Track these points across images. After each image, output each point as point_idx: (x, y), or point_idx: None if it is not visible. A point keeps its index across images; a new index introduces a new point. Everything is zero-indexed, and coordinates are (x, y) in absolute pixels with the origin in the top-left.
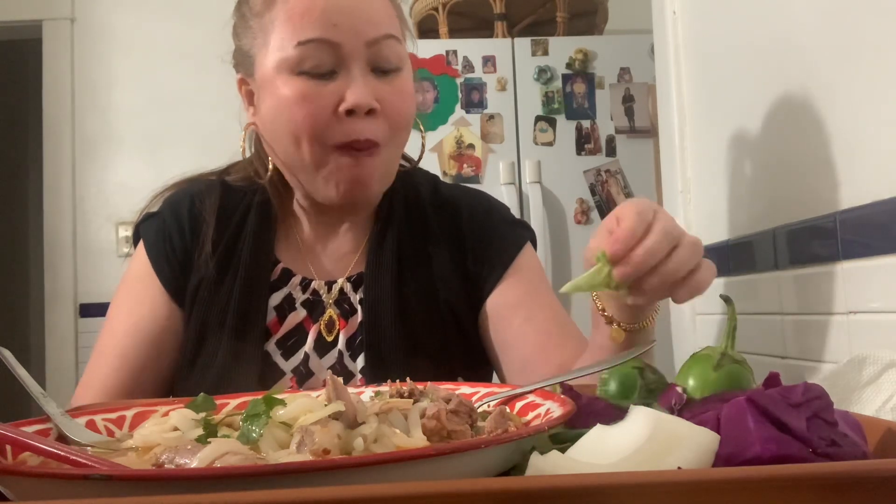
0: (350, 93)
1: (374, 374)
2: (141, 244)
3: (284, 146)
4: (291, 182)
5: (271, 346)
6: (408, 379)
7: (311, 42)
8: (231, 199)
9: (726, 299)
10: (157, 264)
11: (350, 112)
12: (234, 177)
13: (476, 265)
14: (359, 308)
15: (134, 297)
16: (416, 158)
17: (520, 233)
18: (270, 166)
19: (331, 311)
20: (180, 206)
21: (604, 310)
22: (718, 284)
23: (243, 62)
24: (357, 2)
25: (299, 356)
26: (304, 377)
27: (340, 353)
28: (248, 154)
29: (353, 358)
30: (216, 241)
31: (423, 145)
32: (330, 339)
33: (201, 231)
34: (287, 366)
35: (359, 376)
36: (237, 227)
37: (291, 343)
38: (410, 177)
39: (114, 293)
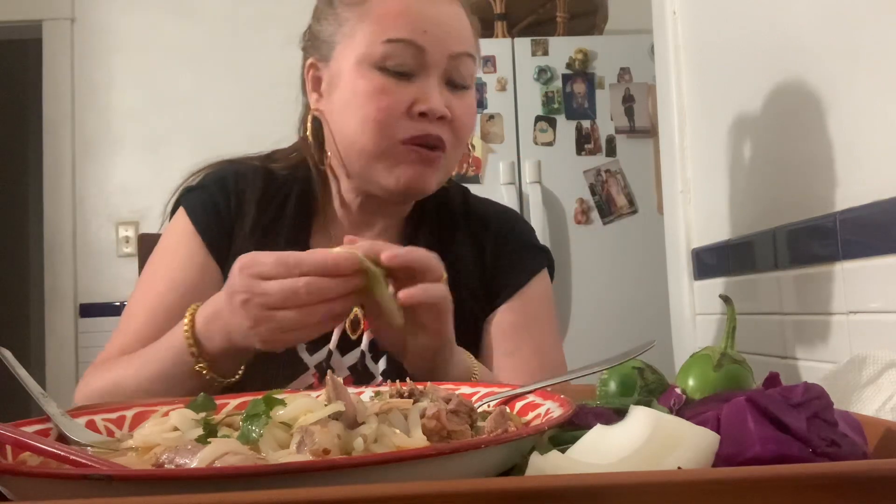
0: (429, 96)
1: (395, 378)
2: (180, 213)
3: (350, 135)
4: (343, 172)
5: None
6: (407, 379)
7: (400, 42)
8: (272, 184)
9: (725, 299)
10: (201, 225)
11: (423, 115)
12: (278, 164)
13: (490, 281)
14: None
15: (175, 257)
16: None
17: (538, 259)
18: (328, 155)
19: (356, 310)
20: (225, 181)
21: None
22: (718, 284)
23: (319, 47)
24: (448, 17)
25: (323, 352)
26: (325, 373)
27: (363, 353)
28: (310, 140)
29: (376, 360)
30: (255, 224)
31: (469, 161)
32: (354, 337)
33: (243, 208)
34: (311, 360)
35: (379, 378)
36: (276, 214)
37: (318, 338)
38: (443, 191)
39: (145, 267)
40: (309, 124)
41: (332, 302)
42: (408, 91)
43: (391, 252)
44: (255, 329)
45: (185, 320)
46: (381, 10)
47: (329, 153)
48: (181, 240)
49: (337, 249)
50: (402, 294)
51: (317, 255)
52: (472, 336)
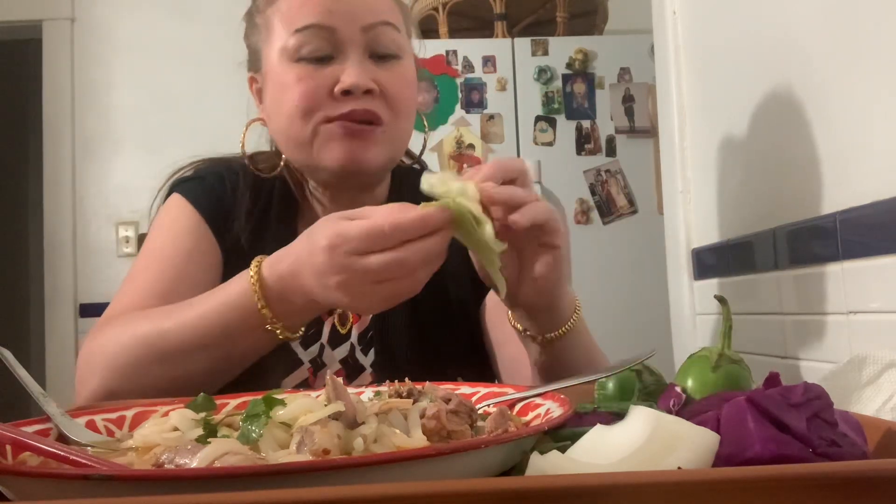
0: (346, 74)
1: (383, 369)
2: (176, 199)
3: (284, 129)
4: (301, 169)
5: None
6: (406, 379)
7: (308, 28)
8: (258, 182)
9: (721, 300)
10: (202, 206)
11: (347, 93)
12: (261, 165)
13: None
14: None
15: (177, 227)
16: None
17: None
18: (283, 160)
19: None
20: (220, 174)
21: (524, 329)
22: (718, 284)
23: (253, 60)
24: None
25: (316, 347)
26: (318, 368)
27: (352, 346)
28: (246, 150)
29: (365, 352)
30: (249, 213)
31: (424, 141)
32: (343, 331)
33: (238, 198)
34: (305, 356)
35: (369, 370)
36: (265, 209)
37: (311, 334)
38: (418, 175)
39: (138, 254)
40: (246, 134)
41: (427, 265)
42: (328, 73)
43: (491, 188)
44: (355, 303)
45: (252, 278)
46: (286, 4)
47: (284, 159)
48: (180, 214)
49: (423, 204)
50: (506, 222)
51: (408, 217)
52: (462, 324)
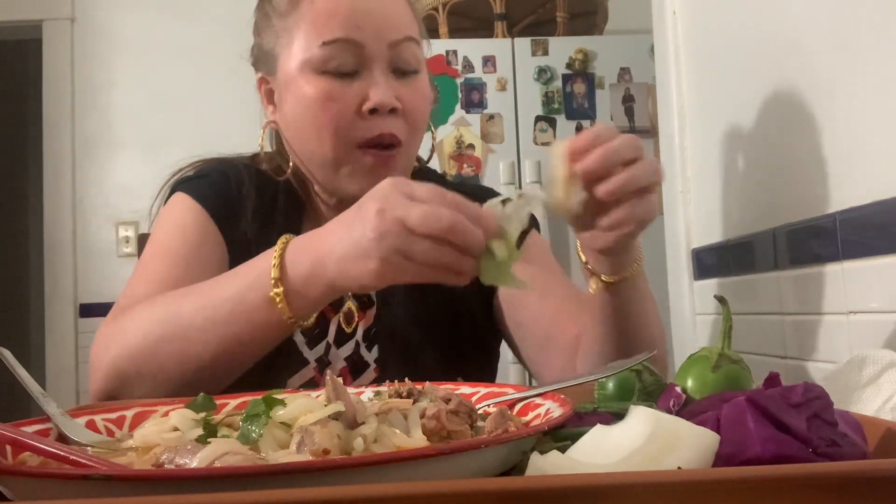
0: (374, 92)
1: (387, 365)
2: (181, 197)
3: (307, 144)
4: (311, 178)
5: (298, 336)
6: (406, 379)
7: (336, 42)
8: (263, 180)
9: (721, 300)
10: (208, 203)
11: (373, 111)
12: (264, 166)
13: None
14: (375, 300)
15: (183, 222)
16: (424, 158)
17: None
18: (291, 163)
19: (350, 303)
20: (225, 172)
21: (587, 262)
22: (718, 285)
23: (265, 61)
24: (380, 5)
25: (321, 346)
26: (324, 367)
27: (357, 343)
28: (244, 148)
29: (369, 348)
30: (255, 211)
31: (433, 146)
32: (349, 330)
33: (243, 196)
34: (311, 355)
35: (373, 365)
36: (270, 207)
37: (316, 333)
38: (420, 175)
39: (140, 256)
40: (264, 136)
41: (458, 253)
42: (354, 90)
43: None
44: (378, 240)
45: (277, 249)
46: (312, 14)
47: (291, 163)
48: (185, 210)
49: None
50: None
51: (469, 202)
52: (465, 319)
